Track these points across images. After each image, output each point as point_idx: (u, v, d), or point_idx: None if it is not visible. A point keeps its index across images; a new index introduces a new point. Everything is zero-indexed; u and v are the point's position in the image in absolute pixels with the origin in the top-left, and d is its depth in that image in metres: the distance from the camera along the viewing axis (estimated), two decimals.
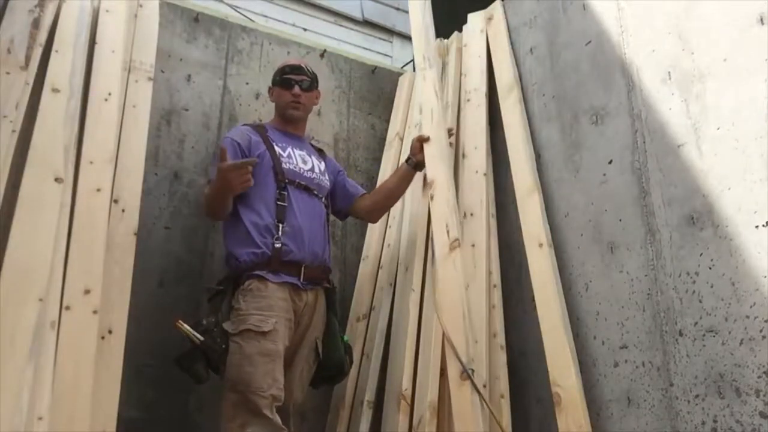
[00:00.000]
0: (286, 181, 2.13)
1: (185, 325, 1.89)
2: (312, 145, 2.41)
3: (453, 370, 1.92)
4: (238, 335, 1.89)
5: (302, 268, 2.05)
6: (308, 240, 2.09)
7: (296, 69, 2.30)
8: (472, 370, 1.87)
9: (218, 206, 2.04)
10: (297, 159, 2.22)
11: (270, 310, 1.93)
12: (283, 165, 2.15)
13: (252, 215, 2.04)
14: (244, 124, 2.33)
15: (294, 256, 2.04)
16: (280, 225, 2.04)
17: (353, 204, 2.41)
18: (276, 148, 2.19)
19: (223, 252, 2.39)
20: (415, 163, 2.36)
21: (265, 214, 2.05)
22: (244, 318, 1.91)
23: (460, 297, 2.04)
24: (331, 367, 2.13)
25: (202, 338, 1.88)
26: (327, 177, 2.32)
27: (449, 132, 2.43)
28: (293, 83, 2.27)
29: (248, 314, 1.91)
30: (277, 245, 2.01)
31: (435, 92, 2.50)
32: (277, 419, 1.83)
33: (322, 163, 2.34)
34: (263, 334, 1.88)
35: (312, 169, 2.24)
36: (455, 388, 1.90)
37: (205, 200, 2.11)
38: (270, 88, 2.38)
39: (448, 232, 2.12)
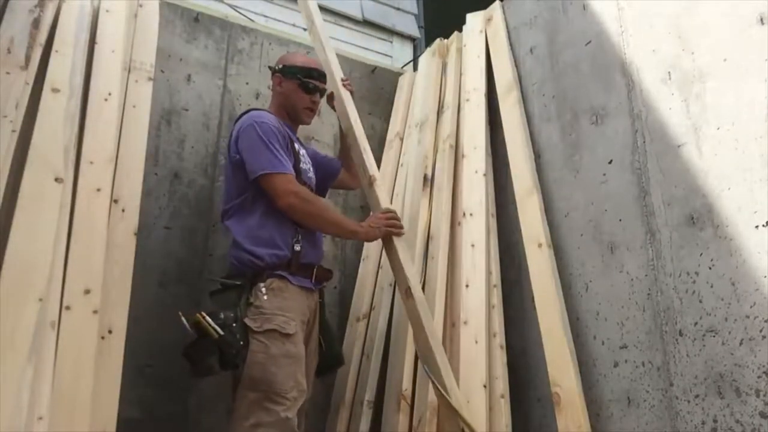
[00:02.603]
0: (301, 181, 2.10)
1: (207, 317, 1.82)
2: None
3: (401, 288, 2.04)
4: (263, 334, 1.86)
5: (314, 270, 2.06)
6: (318, 241, 2.11)
7: (323, 77, 2.28)
8: (409, 288, 1.97)
9: (327, 230, 2.21)
10: (305, 159, 2.21)
11: (291, 311, 1.92)
12: (301, 165, 2.14)
13: (277, 214, 2.00)
14: (260, 109, 2.22)
15: (309, 258, 2.05)
16: (298, 227, 2.03)
17: (340, 173, 2.42)
18: (296, 145, 2.16)
19: (228, 252, 2.37)
20: None
21: (286, 216, 2.01)
22: (270, 318, 1.88)
23: None
24: (333, 357, 2.16)
25: (222, 332, 1.82)
26: (314, 172, 2.30)
27: (343, 81, 2.38)
28: (316, 91, 2.25)
29: (273, 314, 1.89)
30: (297, 248, 2.00)
31: (322, 46, 2.48)
32: (294, 422, 1.82)
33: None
34: (287, 336, 1.87)
35: (309, 169, 2.24)
36: (404, 302, 2.03)
37: (320, 210, 2.05)
38: (279, 78, 2.24)
39: (364, 171, 2.24)
